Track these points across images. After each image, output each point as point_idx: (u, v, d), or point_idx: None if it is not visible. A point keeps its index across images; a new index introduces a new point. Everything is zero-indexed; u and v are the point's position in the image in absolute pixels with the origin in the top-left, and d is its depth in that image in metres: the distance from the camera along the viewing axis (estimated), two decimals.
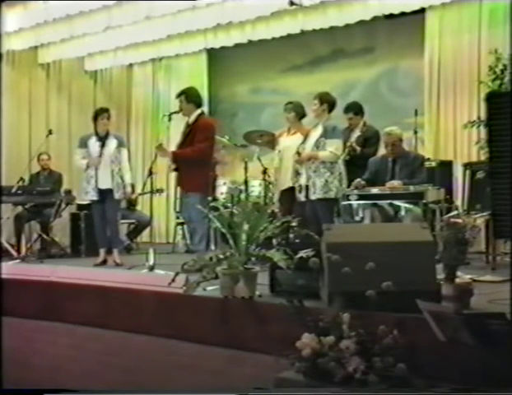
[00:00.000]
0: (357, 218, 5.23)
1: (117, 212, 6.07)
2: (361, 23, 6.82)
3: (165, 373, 3.43)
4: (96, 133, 5.95)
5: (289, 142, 5.67)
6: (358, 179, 5.20)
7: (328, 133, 5.14)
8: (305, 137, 5.36)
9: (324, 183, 5.10)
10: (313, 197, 5.15)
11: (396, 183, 5.12)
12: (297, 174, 5.33)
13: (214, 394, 3.00)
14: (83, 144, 6.00)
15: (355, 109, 6.07)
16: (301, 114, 5.65)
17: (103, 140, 5.90)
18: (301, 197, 5.27)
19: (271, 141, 6.03)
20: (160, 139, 7.28)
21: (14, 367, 3.77)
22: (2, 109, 6.76)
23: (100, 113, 5.97)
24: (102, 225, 5.96)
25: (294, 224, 3.90)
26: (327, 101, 5.26)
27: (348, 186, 5.27)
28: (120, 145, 5.99)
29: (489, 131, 2.52)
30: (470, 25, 6.71)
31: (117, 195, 5.88)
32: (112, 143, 5.92)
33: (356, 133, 5.84)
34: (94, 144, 5.91)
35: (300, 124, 5.66)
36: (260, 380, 2.80)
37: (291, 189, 5.48)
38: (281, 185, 5.69)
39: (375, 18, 6.73)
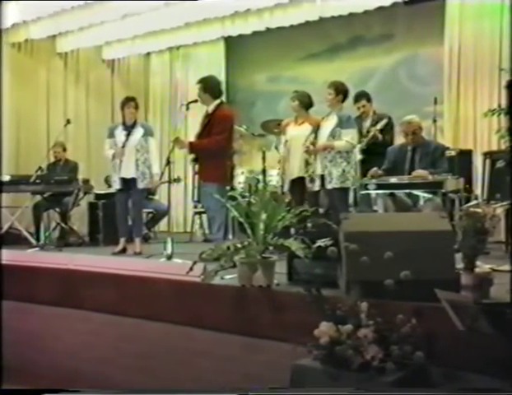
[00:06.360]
0: (375, 207, 5.21)
1: (141, 202, 6.12)
2: (380, 9, 6.72)
3: (182, 359, 3.45)
4: (124, 123, 6.00)
5: (296, 132, 5.64)
6: (375, 168, 5.16)
7: (343, 123, 5.21)
8: (317, 127, 5.34)
9: (341, 172, 5.14)
10: (329, 186, 5.15)
11: (421, 172, 5.00)
12: (307, 164, 5.32)
13: (216, 393, 3.01)
14: (111, 134, 6.05)
15: (366, 96, 6.06)
16: (307, 104, 5.63)
17: (129, 129, 5.94)
18: (314, 186, 5.27)
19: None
20: (177, 128, 7.29)
21: (32, 350, 3.83)
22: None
23: (126, 103, 6.01)
24: (124, 213, 6.00)
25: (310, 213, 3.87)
26: (342, 91, 5.29)
27: (365, 175, 5.24)
28: (147, 134, 6.00)
29: (510, 119, 2.48)
30: (491, 11, 6.59)
31: (141, 184, 5.90)
32: (138, 132, 5.95)
33: (383, 121, 5.78)
34: (120, 133, 5.96)
35: (306, 114, 5.65)
36: (278, 367, 2.80)
37: (301, 179, 5.46)
38: (290, 175, 5.65)
39: (395, 4, 6.60)
